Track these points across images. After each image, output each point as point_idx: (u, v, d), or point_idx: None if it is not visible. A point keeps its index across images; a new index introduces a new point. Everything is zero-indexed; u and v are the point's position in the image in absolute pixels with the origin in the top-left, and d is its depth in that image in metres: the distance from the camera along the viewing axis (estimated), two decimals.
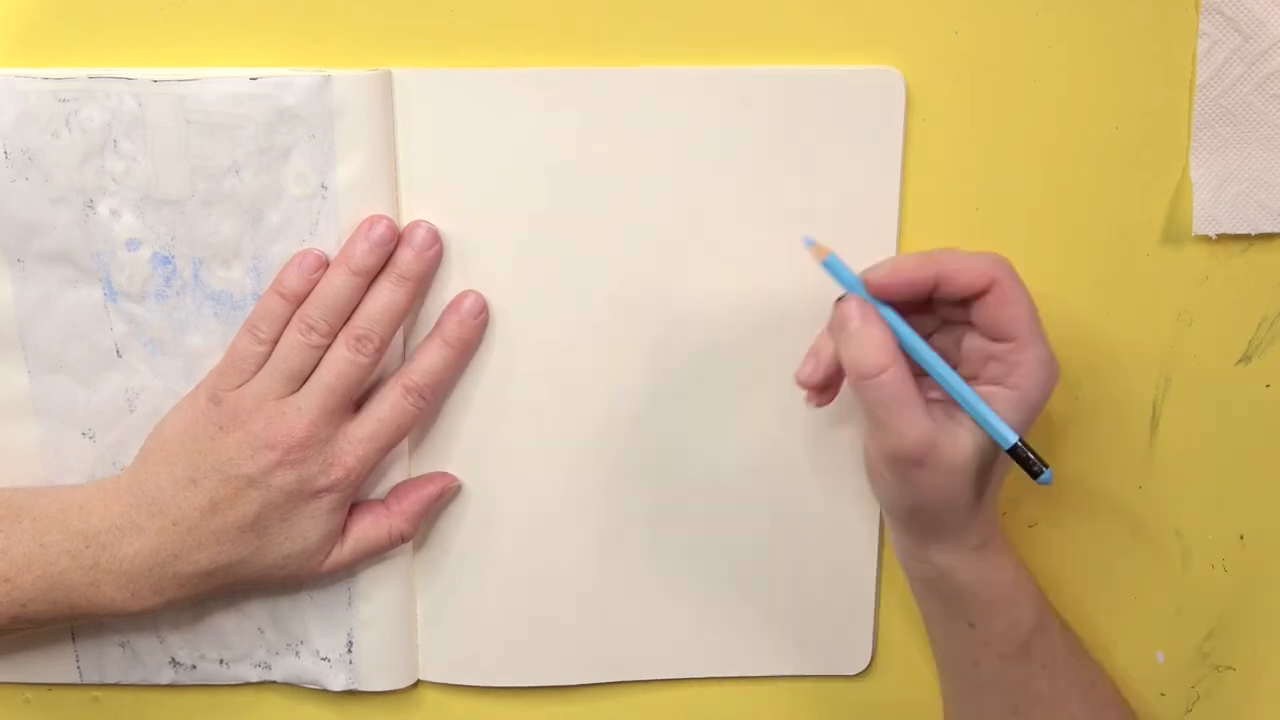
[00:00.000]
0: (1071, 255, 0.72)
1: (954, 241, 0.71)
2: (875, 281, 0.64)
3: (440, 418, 0.73)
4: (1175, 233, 0.72)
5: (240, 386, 0.68)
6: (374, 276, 0.69)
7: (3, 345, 0.71)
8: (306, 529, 0.69)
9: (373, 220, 0.68)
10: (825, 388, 0.68)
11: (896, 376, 0.62)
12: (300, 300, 0.68)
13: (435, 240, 0.70)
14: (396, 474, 0.73)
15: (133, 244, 0.69)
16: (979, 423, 0.64)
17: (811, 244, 0.65)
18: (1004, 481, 0.68)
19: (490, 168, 0.70)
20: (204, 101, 0.67)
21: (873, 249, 0.71)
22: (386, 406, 0.69)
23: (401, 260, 0.69)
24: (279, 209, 0.69)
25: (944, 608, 0.70)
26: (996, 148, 0.71)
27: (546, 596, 0.76)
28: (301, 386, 0.68)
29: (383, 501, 0.72)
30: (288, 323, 0.68)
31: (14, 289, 0.70)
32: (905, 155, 0.70)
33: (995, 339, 0.64)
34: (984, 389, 0.64)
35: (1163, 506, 0.76)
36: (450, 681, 0.77)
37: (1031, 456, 0.62)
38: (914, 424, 0.63)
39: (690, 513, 0.75)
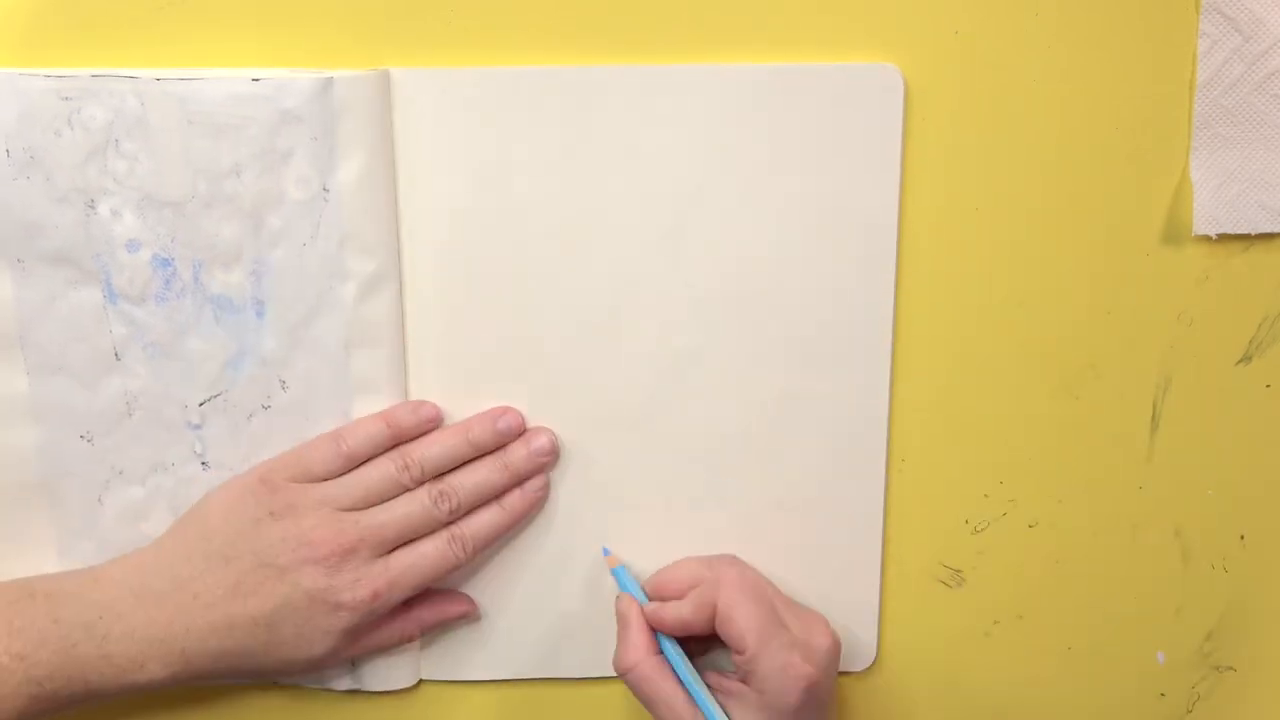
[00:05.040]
0: (1071, 255, 0.72)
1: (953, 242, 0.72)
2: (647, 616, 0.72)
3: (443, 414, 0.73)
4: (1175, 233, 0.72)
5: (305, 482, 0.69)
6: (482, 454, 0.72)
7: (3, 346, 0.71)
8: (315, 641, 0.69)
9: (505, 410, 0.72)
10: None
11: (641, 675, 0.70)
12: (401, 438, 0.71)
13: (553, 450, 0.73)
14: None
15: (133, 245, 0.69)
16: (701, 704, 0.69)
17: (607, 553, 0.75)
18: None
19: (488, 167, 0.70)
20: (206, 102, 0.67)
21: (872, 247, 0.71)
22: (430, 546, 0.70)
23: (514, 454, 0.72)
24: (280, 212, 0.68)
25: None
26: (996, 148, 0.71)
27: (549, 591, 0.76)
28: (366, 510, 0.70)
29: (404, 604, 0.72)
30: (378, 449, 0.71)
31: (15, 289, 0.69)
32: (905, 155, 0.71)
33: (735, 651, 0.69)
34: (738, 686, 0.70)
35: (1163, 506, 0.76)
36: (451, 679, 0.77)
37: None
38: (665, 716, 0.69)
39: (694, 509, 0.75)
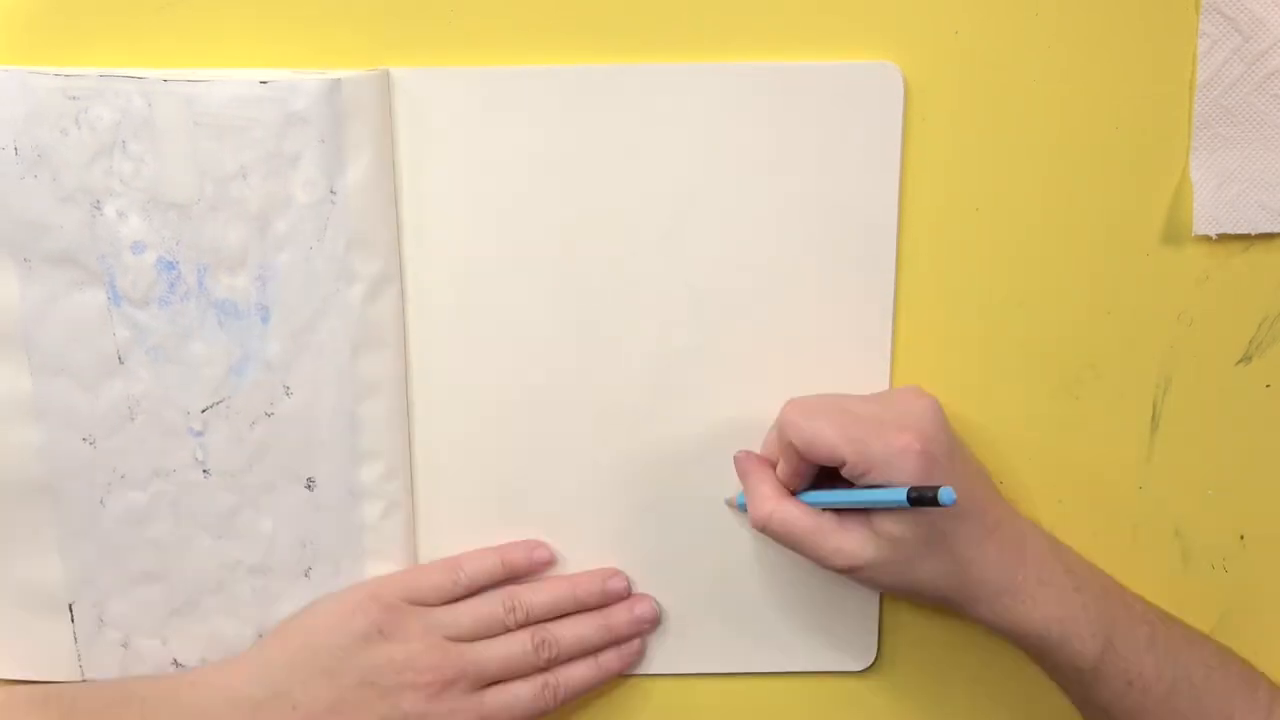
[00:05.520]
0: (1071, 255, 0.73)
1: (953, 242, 0.72)
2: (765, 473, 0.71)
3: (445, 413, 0.73)
4: (1175, 233, 0.72)
5: (416, 605, 0.70)
6: (586, 609, 0.74)
7: (7, 346, 0.71)
8: None
9: (616, 574, 0.75)
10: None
11: (780, 518, 0.68)
12: (514, 576, 0.74)
13: (655, 619, 0.75)
14: (396, 462, 0.73)
15: (138, 247, 0.69)
16: (874, 507, 0.66)
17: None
18: (980, 539, 0.68)
19: (490, 166, 0.70)
20: (213, 103, 0.67)
21: (872, 246, 0.72)
22: (526, 690, 0.71)
23: (617, 617, 0.74)
24: (286, 216, 0.68)
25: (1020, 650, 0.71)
26: (996, 147, 0.71)
27: None
28: (470, 643, 0.70)
29: None
30: (493, 582, 0.73)
31: (20, 288, 0.70)
32: (905, 155, 0.71)
33: (838, 467, 0.67)
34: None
35: (1163, 506, 0.76)
36: None
37: (926, 494, 0.63)
38: (821, 547, 0.67)
39: (694, 509, 0.75)
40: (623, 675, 0.76)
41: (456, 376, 0.73)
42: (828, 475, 0.69)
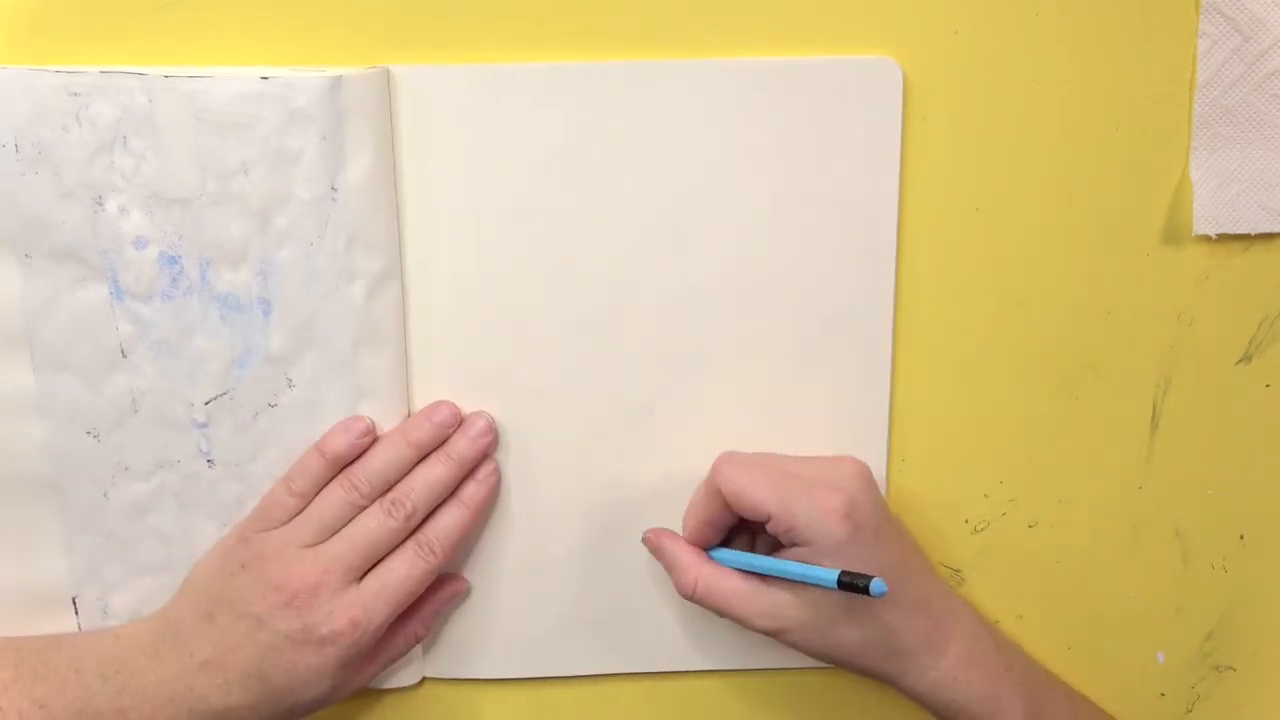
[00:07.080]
0: (1071, 255, 0.73)
1: (954, 241, 0.72)
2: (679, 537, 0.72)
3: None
4: (1175, 233, 0.72)
5: (269, 530, 0.70)
6: (426, 453, 0.71)
7: (10, 342, 0.71)
8: (311, 683, 0.69)
9: (439, 405, 0.72)
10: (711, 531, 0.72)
11: (707, 587, 0.70)
12: (341, 463, 0.71)
13: (490, 430, 0.72)
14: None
15: (140, 242, 0.69)
16: (802, 581, 0.67)
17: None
18: (908, 611, 0.69)
19: (489, 163, 0.70)
20: (214, 99, 0.67)
21: (872, 246, 0.72)
22: (399, 560, 0.70)
23: (456, 445, 0.72)
24: (287, 212, 0.68)
25: None
26: (996, 147, 0.71)
27: (552, 590, 0.76)
28: (324, 542, 0.70)
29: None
30: (322, 480, 0.70)
31: (22, 284, 0.70)
32: (905, 154, 0.71)
33: (763, 521, 0.68)
34: (793, 553, 0.68)
35: (1163, 506, 0.76)
36: (454, 676, 0.77)
37: (858, 581, 0.64)
38: (746, 609, 0.69)
39: None
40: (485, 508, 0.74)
41: (457, 374, 0.73)
42: (740, 533, 0.72)
